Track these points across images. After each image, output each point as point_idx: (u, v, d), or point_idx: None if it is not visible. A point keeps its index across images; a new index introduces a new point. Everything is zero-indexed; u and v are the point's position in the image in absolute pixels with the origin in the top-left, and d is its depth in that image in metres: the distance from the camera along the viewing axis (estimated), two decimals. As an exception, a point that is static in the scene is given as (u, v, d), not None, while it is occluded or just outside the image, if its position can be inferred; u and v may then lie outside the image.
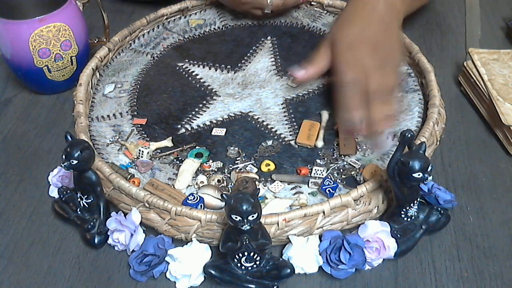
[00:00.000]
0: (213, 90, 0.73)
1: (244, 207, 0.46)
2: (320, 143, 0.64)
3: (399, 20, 0.66)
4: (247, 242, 0.49)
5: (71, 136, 0.54)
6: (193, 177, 0.61)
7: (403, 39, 0.70)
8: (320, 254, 0.53)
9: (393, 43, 0.64)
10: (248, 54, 0.79)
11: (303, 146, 0.64)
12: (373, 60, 0.61)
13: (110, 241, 0.56)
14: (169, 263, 0.53)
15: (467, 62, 0.73)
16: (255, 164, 0.62)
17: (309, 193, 0.59)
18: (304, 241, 0.54)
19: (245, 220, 0.47)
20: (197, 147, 0.65)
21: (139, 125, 0.68)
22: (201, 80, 0.75)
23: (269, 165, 0.62)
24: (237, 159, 0.63)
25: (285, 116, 0.68)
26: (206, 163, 0.62)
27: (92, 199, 0.56)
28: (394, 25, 0.65)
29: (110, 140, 0.66)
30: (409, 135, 0.50)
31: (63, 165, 0.52)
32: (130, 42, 0.81)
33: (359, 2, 0.66)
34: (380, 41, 0.63)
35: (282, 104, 0.70)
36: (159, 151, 0.65)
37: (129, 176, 0.61)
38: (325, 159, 0.62)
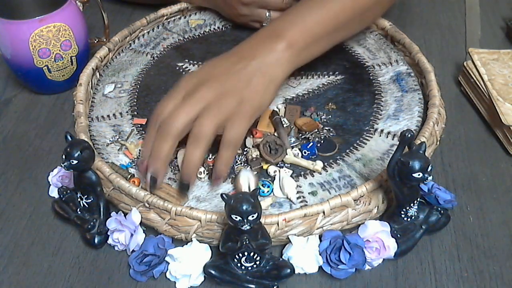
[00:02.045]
0: (213, 90, 0.73)
1: (244, 207, 0.46)
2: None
3: (278, 75, 0.59)
4: (247, 242, 0.49)
5: (71, 136, 0.54)
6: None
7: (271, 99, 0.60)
8: (320, 254, 0.53)
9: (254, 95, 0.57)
10: (248, 54, 0.79)
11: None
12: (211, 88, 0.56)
13: (110, 241, 0.56)
14: (169, 263, 0.53)
15: (467, 62, 0.73)
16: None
17: (309, 193, 0.59)
18: (304, 241, 0.54)
19: (245, 220, 0.47)
20: (197, 147, 0.65)
21: (139, 125, 0.68)
22: (201, 80, 0.75)
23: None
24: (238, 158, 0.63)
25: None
26: (210, 158, 0.62)
27: (92, 199, 0.56)
28: (262, 80, 0.58)
29: (110, 140, 0.66)
30: (409, 135, 0.50)
31: (63, 165, 0.52)
32: (130, 42, 0.81)
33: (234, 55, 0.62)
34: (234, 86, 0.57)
35: (282, 103, 0.70)
36: (159, 151, 0.65)
37: (129, 176, 0.61)
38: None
